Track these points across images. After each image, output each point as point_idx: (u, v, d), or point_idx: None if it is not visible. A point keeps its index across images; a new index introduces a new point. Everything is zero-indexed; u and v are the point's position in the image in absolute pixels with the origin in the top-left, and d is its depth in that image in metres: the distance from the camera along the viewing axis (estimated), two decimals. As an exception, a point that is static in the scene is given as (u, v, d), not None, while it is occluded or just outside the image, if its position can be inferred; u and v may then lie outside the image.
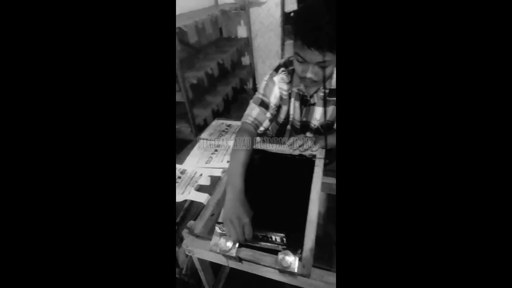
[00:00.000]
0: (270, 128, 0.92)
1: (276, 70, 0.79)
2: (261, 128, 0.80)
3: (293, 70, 0.75)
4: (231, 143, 1.02)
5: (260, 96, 0.79)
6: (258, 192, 0.62)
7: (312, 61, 0.61)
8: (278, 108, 0.83)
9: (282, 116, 0.86)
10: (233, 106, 2.18)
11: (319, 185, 0.59)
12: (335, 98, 0.76)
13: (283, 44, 2.23)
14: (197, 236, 0.54)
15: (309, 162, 0.67)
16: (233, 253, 0.46)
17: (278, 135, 0.92)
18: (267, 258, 0.46)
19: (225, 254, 0.47)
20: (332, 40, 0.56)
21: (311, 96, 0.78)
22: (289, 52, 2.19)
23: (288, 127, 0.89)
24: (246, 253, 0.47)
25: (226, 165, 0.89)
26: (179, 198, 0.78)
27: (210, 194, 0.79)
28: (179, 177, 0.87)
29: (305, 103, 0.81)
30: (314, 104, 0.80)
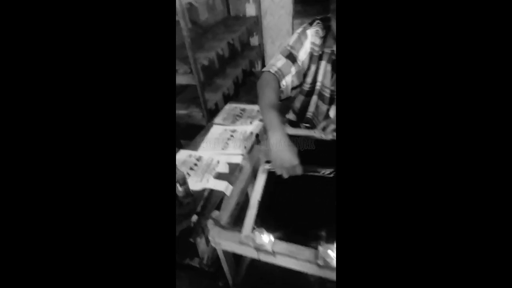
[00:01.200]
0: (294, 101, 0.84)
1: (311, 23, 0.70)
2: (283, 83, 0.70)
3: (329, 26, 0.68)
4: (248, 127, 0.97)
5: (289, 48, 0.70)
6: (293, 186, 0.57)
7: None
8: (307, 69, 0.73)
9: (309, 79, 0.75)
10: (242, 90, 2.10)
11: None
12: None
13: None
14: (223, 227, 0.51)
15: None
16: (269, 247, 0.43)
17: (303, 110, 0.83)
18: (305, 252, 0.43)
19: (259, 248, 0.44)
20: None
21: None
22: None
23: (314, 97, 0.79)
24: (281, 246, 0.44)
25: (245, 152, 0.85)
26: (197, 186, 0.75)
27: (230, 182, 0.76)
28: (196, 164, 0.84)
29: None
30: None
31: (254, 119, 1.03)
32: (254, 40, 2.41)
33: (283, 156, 0.53)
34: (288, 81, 0.71)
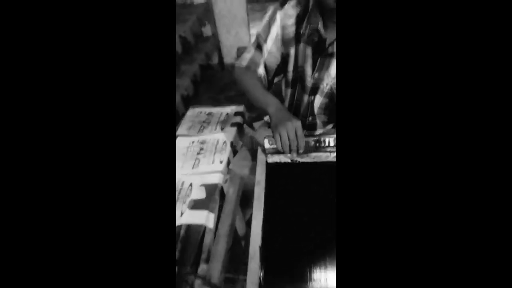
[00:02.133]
0: (283, 98, 0.73)
1: (282, 2, 0.59)
2: (260, 72, 0.65)
3: (309, 4, 0.55)
4: (219, 136, 0.83)
5: (256, 37, 0.62)
6: (289, 216, 0.45)
7: None
8: (286, 55, 0.62)
9: (290, 66, 0.64)
10: (202, 87, 1.91)
11: None
12: None
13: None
14: (217, 289, 0.38)
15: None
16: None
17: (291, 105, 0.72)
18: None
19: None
20: None
21: (331, 43, 0.57)
22: (255, 18, 1.94)
23: (296, 88, 0.67)
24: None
25: (221, 167, 0.72)
26: (170, 222, 0.60)
27: (210, 209, 0.62)
28: (163, 192, 0.67)
29: (321, 51, 0.59)
30: (332, 55, 0.58)
31: (225, 124, 0.88)
32: (207, 30, 2.21)
33: (284, 117, 0.51)
34: (260, 72, 0.64)
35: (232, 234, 0.47)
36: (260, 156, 0.46)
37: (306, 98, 0.68)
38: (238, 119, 0.88)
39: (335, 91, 0.63)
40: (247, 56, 0.65)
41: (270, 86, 0.70)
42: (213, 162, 0.74)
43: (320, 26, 0.56)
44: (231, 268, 0.44)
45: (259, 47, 0.64)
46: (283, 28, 0.60)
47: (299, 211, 0.42)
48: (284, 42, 0.62)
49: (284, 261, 0.38)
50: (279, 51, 0.63)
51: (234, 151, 0.79)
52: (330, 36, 0.57)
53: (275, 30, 0.61)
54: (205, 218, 0.60)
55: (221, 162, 0.73)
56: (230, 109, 0.95)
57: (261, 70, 0.66)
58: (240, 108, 0.94)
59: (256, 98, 0.59)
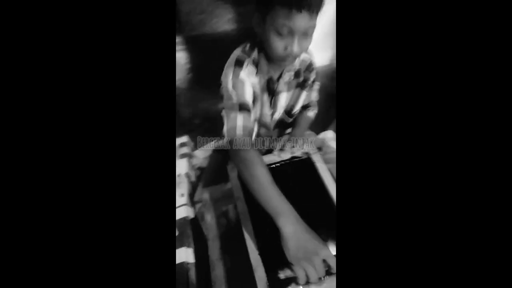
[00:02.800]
0: None
1: (239, 64, 0.60)
2: (254, 137, 0.62)
3: (258, 59, 0.62)
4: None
5: (235, 101, 0.57)
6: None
7: (301, 28, 0.50)
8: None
9: (257, 115, 0.68)
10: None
11: (331, 180, 0.54)
12: (298, 79, 0.70)
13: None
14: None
15: (307, 163, 0.59)
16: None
17: None
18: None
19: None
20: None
21: (277, 82, 0.66)
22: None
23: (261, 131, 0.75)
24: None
25: (184, 200, 0.70)
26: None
27: (186, 245, 0.60)
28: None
29: (272, 91, 0.67)
30: (279, 92, 0.68)
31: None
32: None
33: (308, 245, 0.39)
34: (255, 134, 0.64)
35: (224, 257, 0.48)
36: (232, 173, 0.48)
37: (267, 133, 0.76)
38: (185, 149, 0.89)
39: (283, 117, 0.75)
40: (238, 122, 0.55)
41: None
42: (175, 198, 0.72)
43: (272, 72, 0.64)
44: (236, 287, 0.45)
45: (242, 108, 0.57)
46: (253, 84, 0.61)
47: None
48: (256, 96, 0.63)
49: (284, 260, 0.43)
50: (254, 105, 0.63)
51: (191, 182, 0.79)
52: (275, 72, 0.66)
53: (248, 87, 0.59)
54: (184, 255, 0.58)
55: (182, 195, 0.72)
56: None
57: (254, 132, 0.64)
58: (184, 139, 0.94)
59: (266, 195, 0.45)
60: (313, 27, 0.52)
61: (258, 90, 0.64)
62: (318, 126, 0.77)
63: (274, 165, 0.56)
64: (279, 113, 0.74)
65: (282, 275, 0.38)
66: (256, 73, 0.63)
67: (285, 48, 0.53)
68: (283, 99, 0.71)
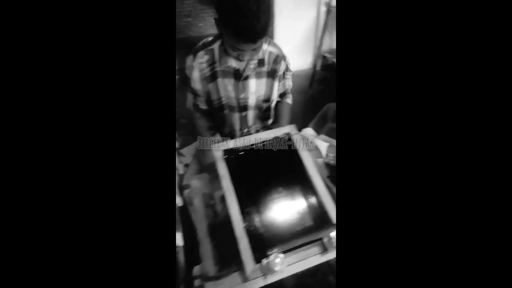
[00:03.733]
0: (216, 120, 0.91)
1: (194, 54, 0.79)
2: (202, 105, 0.86)
3: (213, 48, 0.77)
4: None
5: (191, 84, 0.83)
6: (262, 198, 0.55)
7: (249, 49, 0.65)
8: (208, 89, 0.83)
9: (214, 96, 0.83)
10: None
11: (312, 165, 0.58)
12: (265, 69, 0.82)
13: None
14: (217, 278, 0.44)
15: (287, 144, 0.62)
16: (283, 266, 0.42)
17: (225, 127, 0.90)
18: (313, 249, 0.45)
19: (272, 274, 0.41)
20: (265, 26, 0.60)
21: (244, 70, 0.79)
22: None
23: (226, 111, 0.86)
24: (292, 258, 0.44)
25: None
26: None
27: (176, 230, 0.64)
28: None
29: (239, 77, 0.80)
30: (247, 78, 0.80)
31: (160, 152, 0.90)
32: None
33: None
34: (203, 107, 0.87)
35: (211, 234, 0.52)
36: (217, 153, 0.53)
37: (236, 115, 0.87)
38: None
39: (260, 103, 0.87)
40: (188, 102, 0.88)
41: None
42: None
43: (231, 62, 0.76)
44: (222, 259, 0.49)
45: (193, 92, 0.85)
46: (201, 71, 0.79)
47: (266, 187, 0.53)
48: (205, 79, 0.81)
49: (267, 232, 0.48)
50: (203, 89, 0.83)
51: (179, 174, 0.83)
52: (241, 65, 0.78)
53: (196, 74, 0.80)
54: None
55: (170, 185, 0.76)
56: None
57: (202, 106, 0.87)
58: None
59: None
60: (261, 44, 0.68)
61: (208, 74, 0.80)
62: (297, 123, 0.84)
63: (257, 145, 0.61)
64: (252, 99, 0.85)
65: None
66: (211, 61, 0.78)
67: (238, 56, 0.70)
68: (253, 85, 0.82)
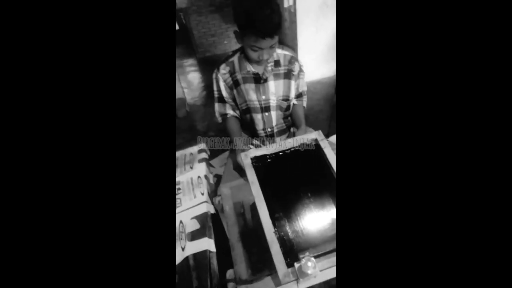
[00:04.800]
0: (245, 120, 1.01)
1: (217, 68, 0.92)
2: (229, 112, 0.97)
3: (233, 60, 0.90)
4: (193, 173, 0.89)
5: (216, 94, 0.95)
6: (291, 204, 0.55)
7: (267, 46, 0.75)
8: (233, 95, 0.94)
9: (240, 101, 0.94)
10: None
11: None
12: (281, 70, 0.90)
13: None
14: (250, 282, 0.45)
15: (314, 150, 0.63)
16: (317, 270, 0.41)
17: (251, 128, 1.00)
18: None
19: (305, 278, 0.41)
20: (279, 21, 0.70)
21: (262, 73, 0.89)
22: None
23: (251, 113, 0.95)
24: (324, 262, 0.43)
25: (205, 198, 0.77)
26: (177, 258, 0.61)
27: (208, 236, 0.66)
28: (155, 238, 0.68)
29: (259, 81, 0.89)
30: (266, 80, 0.90)
31: (192, 162, 0.95)
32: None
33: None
34: (230, 112, 0.97)
35: (242, 239, 0.54)
36: (246, 161, 0.55)
37: (260, 116, 0.96)
38: (203, 155, 0.97)
39: (281, 102, 0.94)
40: (216, 110, 0.98)
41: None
42: (195, 197, 0.79)
43: (250, 68, 0.88)
44: (254, 264, 0.50)
45: (220, 100, 0.95)
46: (225, 82, 0.92)
47: (295, 193, 0.54)
48: (229, 87, 0.93)
49: (298, 237, 0.48)
50: (229, 96, 0.95)
51: (210, 184, 0.87)
52: (259, 69, 0.88)
53: (222, 84, 0.92)
54: (206, 244, 0.65)
55: (202, 194, 0.80)
56: (192, 149, 1.03)
57: (229, 111, 0.96)
58: (202, 146, 1.03)
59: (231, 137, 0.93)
60: (277, 41, 0.77)
61: (230, 82, 0.92)
62: (323, 130, 0.85)
63: (284, 151, 0.62)
64: (273, 99, 0.93)
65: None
66: (233, 71, 0.90)
67: (258, 57, 0.79)
68: (272, 87, 0.91)
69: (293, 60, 0.91)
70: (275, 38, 0.73)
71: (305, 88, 0.99)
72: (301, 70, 0.94)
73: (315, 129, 0.96)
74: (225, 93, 0.93)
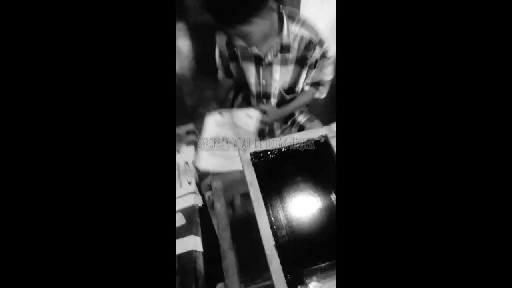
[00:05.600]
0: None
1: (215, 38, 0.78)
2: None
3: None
4: (177, 158, 0.79)
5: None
6: (296, 211, 0.47)
7: (239, 33, 0.62)
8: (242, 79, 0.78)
9: (240, 76, 0.78)
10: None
11: None
12: (291, 55, 0.70)
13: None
14: (244, 301, 0.38)
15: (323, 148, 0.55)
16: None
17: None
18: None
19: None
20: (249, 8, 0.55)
21: (265, 55, 0.70)
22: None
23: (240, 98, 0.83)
24: (331, 285, 0.37)
25: (192, 188, 0.69)
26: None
27: (194, 234, 0.59)
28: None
29: (260, 62, 0.71)
30: (271, 64, 0.71)
31: (179, 145, 0.85)
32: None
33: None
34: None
35: (235, 247, 0.47)
36: (244, 157, 0.46)
37: (255, 102, 0.84)
38: (192, 137, 0.87)
39: (282, 91, 0.77)
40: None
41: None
42: (181, 186, 0.71)
43: (254, 47, 0.69)
44: (248, 277, 0.44)
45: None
46: (220, 47, 0.77)
47: (301, 197, 0.46)
48: (223, 57, 0.79)
49: (301, 252, 0.41)
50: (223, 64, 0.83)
51: (198, 171, 0.78)
52: (262, 50, 0.70)
53: (217, 51, 0.79)
54: (193, 244, 0.58)
55: (189, 183, 0.71)
56: (179, 130, 0.92)
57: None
58: (190, 127, 0.92)
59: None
60: (259, 23, 0.59)
61: (226, 53, 0.76)
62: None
63: (289, 148, 0.53)
64: (274, 87, 0.76)
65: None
66: (228, 41, 0.74)
67: (249, 46, 0.65)
68: (277, 73, 0.73)
69: (312, 45, 0.70)
70: (251, 24, 0.57)
71: (327, 78, 0.79)
72: (324, 57, 0.74)
73: (318, 117, 0.88)
74: (218, 61, 0.81)
